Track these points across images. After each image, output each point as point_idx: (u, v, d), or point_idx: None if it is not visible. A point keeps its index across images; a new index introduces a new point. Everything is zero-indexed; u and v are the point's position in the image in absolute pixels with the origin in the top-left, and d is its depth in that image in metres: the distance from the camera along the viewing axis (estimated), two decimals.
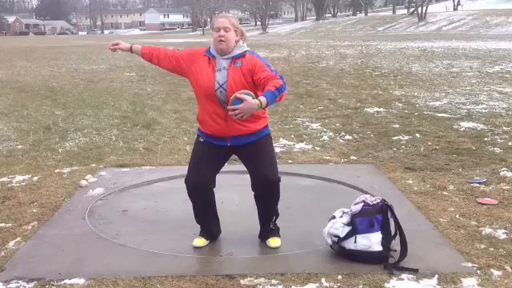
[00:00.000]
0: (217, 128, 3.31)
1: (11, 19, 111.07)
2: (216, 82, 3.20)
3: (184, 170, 5.27)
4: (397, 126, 7.41)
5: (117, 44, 3.56)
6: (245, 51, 3.30)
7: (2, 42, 50.97)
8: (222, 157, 3.58)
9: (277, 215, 3.58)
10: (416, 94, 10.44)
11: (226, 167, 5.47)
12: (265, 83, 3.13)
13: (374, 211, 3.23)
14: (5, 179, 5.09)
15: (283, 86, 3.14)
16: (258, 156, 3.44)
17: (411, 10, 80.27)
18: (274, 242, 3.52)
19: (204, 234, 3.59)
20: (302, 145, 6.49)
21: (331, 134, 7.06)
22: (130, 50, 3.56)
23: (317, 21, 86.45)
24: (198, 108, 3.40)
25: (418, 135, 6.77)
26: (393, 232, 3.29)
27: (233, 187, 4.82)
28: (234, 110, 2.96)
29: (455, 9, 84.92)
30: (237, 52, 3.27)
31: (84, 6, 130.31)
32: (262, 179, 3.42)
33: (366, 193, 4.25)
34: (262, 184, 3.44)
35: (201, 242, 3.54)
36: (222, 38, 3.21)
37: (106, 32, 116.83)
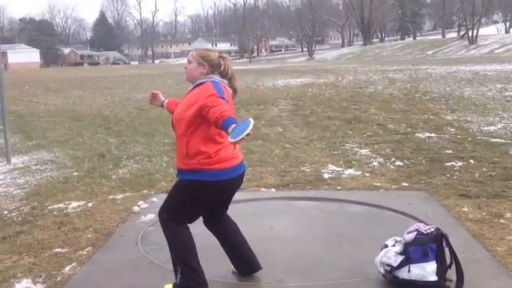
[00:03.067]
0: None
1: (67, 50, 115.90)
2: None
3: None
4: (450, 151, 7.24)
5: (154, 96, 3.77)
6: (204, 82, 3.10)
7: (58, 72, 53.19)
8: None
9: (180, 269, 3.18)
10: (469, 118, 10.18)
11: (274, 193, 5.50)
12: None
13: (428, 240, 3.15)
14: (61, 205, 5.27)
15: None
16: None
17: (461, 33, 78.90)
18: None
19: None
20: (351, 171, 6.42)
21: (381, 159, 6.96)
22: (162, 105, 3.75)
23: (364, 46, 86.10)
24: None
25: (472, 161, 6.58)
26: (448, 261, 3.19)
27: (281, 214, 4.81)
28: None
29: (507, 31, 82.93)
30: (198, 82, 3.14)
31: (136, 37, 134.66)
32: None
33: (419, 220, 4.16)
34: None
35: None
36: (184, 70, 3.23)
37: (157, 61, 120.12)
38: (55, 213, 5.04)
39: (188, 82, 3.24)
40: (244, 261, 3.45)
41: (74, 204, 5.29)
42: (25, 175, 6.75)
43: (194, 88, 3.15)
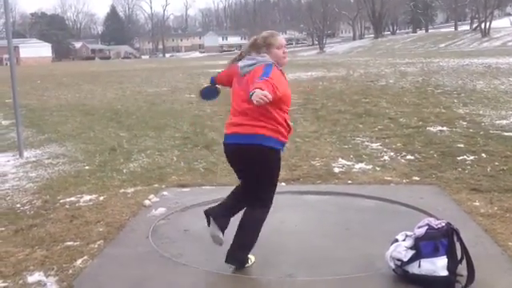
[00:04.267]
0: (287, 133, 3.43)
1: (78, 45, 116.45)
2: None
3: None
4: (461, 145, 7.18)
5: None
6: None
7: (69, 66, 53.49)
8: None
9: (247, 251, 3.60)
10: (481, 112, 10.10)
11: (285, 187, 5.50)
12: None
13: (439, 235, 3.13)
14: (73, 199, 5.31)
15: None
16: None
17: (474, 25, 78.19)
18: None
19: None
20: (361, 165, 6.40)
21: (392, 153, 6.93)
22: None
23: (375, 39, 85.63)
24: (276, 119, 3.30)
25: (484, 155, 6.53)
26: (459, 256, 3.17)
27: (291, 208, 4.81)
28: None
29: None
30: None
31: (146, 31, 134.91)
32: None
33: (430, 215, 4.14)
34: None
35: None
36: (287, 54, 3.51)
37: (168, 55, 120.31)
38: (67, 206, 5.08)
39: (283, 65, 3.48)
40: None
41: (86, 197, 5.33)
42: (37, 169, 6.80)
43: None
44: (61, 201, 5.26)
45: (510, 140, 7.39)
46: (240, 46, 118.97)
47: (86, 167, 6.78)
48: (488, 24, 69.32)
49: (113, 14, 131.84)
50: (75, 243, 4.06)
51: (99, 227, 4.42)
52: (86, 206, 5.07)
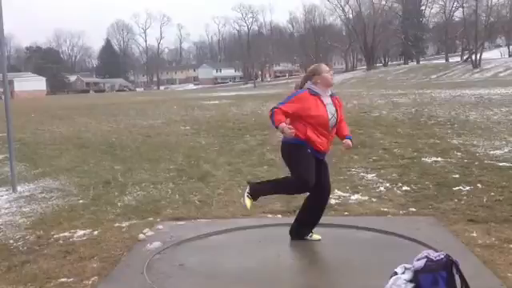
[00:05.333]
0: (322, 145, 4.51)
1: (73, 78, 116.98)
2: (328, 112, 4.46)
3: (239, 222, 5.32)
4: (457, 175, 7.19)
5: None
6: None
7: (64, 100, 53.62)
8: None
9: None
10: (475, 142, 10.15)
11: (281, 220, 5.46)
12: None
13: (439, 267, 3.10)
14: (67, 234, 5.24)
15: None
16: (326, 170, 4.72)
17: (465, 57, 79.34)
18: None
19: None
20: (357, 196, 6.39)
21: (388, 184, 6.92)
22: None
23: (368, 70, 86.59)
24: (306, 130, 4.42)
25: (479, 185, 6.53)
26: None
27: (288, 241, 4.77)
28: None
29: (510, 55, 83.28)
30: (331, 92, 4.63)
31: (141, 64, 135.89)
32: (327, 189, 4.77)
33: (428, 246, 4.11)
34: (327, 193, 4.78)
35: None
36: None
37: (162, 88, 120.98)
38: (61, 241, 5.02)
39: (328, 88, 4.62)
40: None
41: (80, 232, 5.26)
42: (30, 203, 6.74)
43: (332, 97, 4.62)
44: (54, 236, 5.20)
45: (505, 170, 7.41)
46: (234, 77, 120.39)
47: (80, 201, 6.72)
48: (479, 55, 70.33)
49: (108, 47, 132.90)
50: (69, 280, 3.98)
51: (93, 263, 4.35)
52: (80, 241, 5.01)
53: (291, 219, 5.46)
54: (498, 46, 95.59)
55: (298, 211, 4.94)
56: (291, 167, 4.56)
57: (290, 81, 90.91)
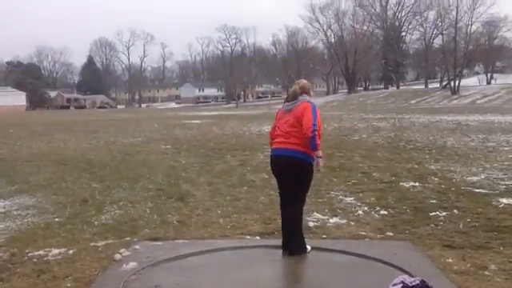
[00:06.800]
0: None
1: (53, 94, 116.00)
2: None
3: (217, 243, 5.30)
4: (434, 201, 7.27)
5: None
6: None
7: (43, 115, 53.09)
8: None
9: None
10: (452, 168, 10.29)
11: (259, 241, 5.46)
12: None
13: None
14: (41, 252, 5.15)
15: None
16: None
17: (444, 83, 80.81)
18: None
19: None
20: (336, 219, 6.41)
21: (366, 208, 6.96)
22: None
23: (349, 94, 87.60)
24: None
25: (456, 211, 6.61)
26: None
27: (266, 263, 4.76)
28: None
29: (488, 82, 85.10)
30: None
31: (123, 81, 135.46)
32: None
33: (404, 271, 4.13)
34: None
35: None
36: None
37: (144, 105, 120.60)
38: (35, 260, 4.93)
39: None
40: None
41: (55, 251, 5.18)
42: (5, 220, 6.62)
43: None
44: (29, 254, 5.10)
45: (481, 197, 7.52)
46: (216, 97, 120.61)
47: (56, 219, 6.62)
48: (457, 82, 71.73)
49: (90, 64, 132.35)
50: None
51: (67, 283, 4.28)
52: (55, 260, 4.93)
53: (269, 241, 5.47)
54: (477, 74, 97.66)
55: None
56: (306, 186, 4.81)
57: (272, 102, 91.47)
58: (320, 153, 4.63)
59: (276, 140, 4.90)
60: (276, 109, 5.24)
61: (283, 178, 4.90)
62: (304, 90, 4.85)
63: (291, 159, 4.71)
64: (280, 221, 6.27)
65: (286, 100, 4.97)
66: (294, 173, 4.74)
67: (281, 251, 5.07)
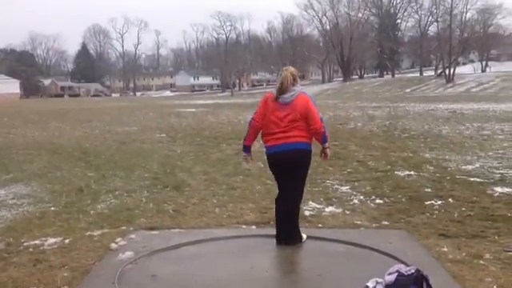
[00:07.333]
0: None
1: (47, 82, 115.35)
2: None
3: (213, 232, 5.31)
4: (429, 190, 7.30)
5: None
6: None
7: (37, 104, 52.83)
8: None
9: None
10: (447, 157, 10.33)
11: (254, 231, 5.47)
12: None
13: (409, 282, 3.15)
14: (37, 242, 5.15)
15: None
16: None
17: (439, 71, 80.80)
18: None
19: None
20: (331, 208, 6.43)
21: (361, 197, 6.99)
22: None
23: (344, 82, 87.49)
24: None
25: (451, 200, 6.64)
26: None
27: (262, 252, 4.77)
28: None
29: (483, 70, 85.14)
30: None
31: (118, 69, 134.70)
32: None
33: (400, 261, 4.15)
34: None
35: None
36: None
37: (138, 94, 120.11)
38: (31, 249, 4.93)
39: None
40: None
41: (51, 240, 5.17)
42: (0, 210, 6.60)
43: None
44: (24, 244, 5.10)
45: (476, 185, 7.55)
46: (211, 86, 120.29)
47: (52, 208, 6.61)
48: (452, 70, 71.70)
49: (84, 51, 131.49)
50: None
51: (64, 272, 4.28)
52: (51, 249, 4.92)
53: (265, 230, 5.48)
54: (472, 62, 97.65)
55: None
56: (304, 176, 4.81)
57: (267, 90, 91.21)
58: (328, 144, 4.75)
59: (274, 137, 4.73)
60: (265, 94, 5.01)
61: (289, 171, 4.76)
62: (294, 77, 4.76)
63: (298, 152, 4.66)
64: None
65: (280, 90, 4.72)
66: (299, 164, 4.72)
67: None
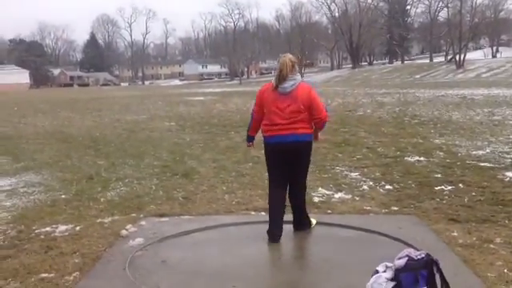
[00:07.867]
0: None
1: (56, 72, 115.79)
2: None
3: (222, 219, 5.32)
4: (439, 175, 7.26)
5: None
6: None
7: (47, 93, 53.05)
8: None
9: None
10: (457, 142, 10.26)
11: (265, 217, 5.45)
12: None
13: (419, 266, 3.13)
14: (48, 229, 5.20)
15: None
16: None
17: (449, 57, 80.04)
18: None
19: None
20: (341, 194, 6.42)
21: (371, 183, 6.97)
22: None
23: (353, 69, 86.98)
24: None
25: (461, 185, 6.60)
26: (439, 287, 3.17)
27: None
28: None
29: (494, 56, 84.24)
30: None
31: (126, 59, 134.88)
32: None
33: (409, 245, 4.15)
34: None
35: None
36: None
37: (147, 83, 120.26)
38: (42, 237, 4.97)
39: None
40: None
41: (62, 228, 5.22)
42: (12, 198, 6.66)
43: None
44: (36, 231, 5.15)
45: (486, 170, 7.50)
46: (220, 74, 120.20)
47: (63, 196, 6.66)
48: (462, 56, 71.01)
49: (92, 41, 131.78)
50: (50, 275, 3.95)
51: (75, 258, 4.32)
52: (62, 236, 4.97)
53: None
54: (482, 47, 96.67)
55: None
56: (308, 166, 4.83)
57: None
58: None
59: (277, 127, 4.59)
60: (262, 86, 4.86)
61: (292, 162, 4.69)
62: (293, 64, 4.60)
63: (307, 144, 4.65)
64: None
65: (280, 78, 4.55)
66: (304, 155, 4.70)
67: (286, 226, 5.08)
